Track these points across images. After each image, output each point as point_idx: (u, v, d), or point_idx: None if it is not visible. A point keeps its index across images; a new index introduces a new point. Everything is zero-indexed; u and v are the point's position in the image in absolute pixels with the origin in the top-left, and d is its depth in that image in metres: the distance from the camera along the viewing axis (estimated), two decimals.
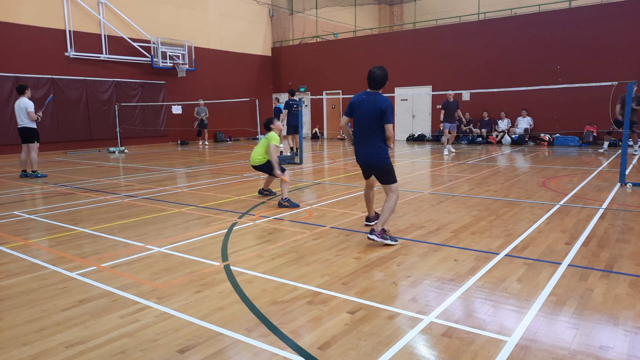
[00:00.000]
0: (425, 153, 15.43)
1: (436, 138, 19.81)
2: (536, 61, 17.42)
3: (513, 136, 17.67)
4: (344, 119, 5.14)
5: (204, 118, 19.91)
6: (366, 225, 5.68)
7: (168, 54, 19.80)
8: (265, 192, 7.74)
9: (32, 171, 10.48)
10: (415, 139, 20.69)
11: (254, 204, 7.16)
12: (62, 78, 16.94)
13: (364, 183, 5.74)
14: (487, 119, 18.62)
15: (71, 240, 5.26)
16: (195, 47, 20.96)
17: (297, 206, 6.84)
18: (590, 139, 16.40)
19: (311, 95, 23.38)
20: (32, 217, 6.53)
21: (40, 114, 10.46)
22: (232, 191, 8.30)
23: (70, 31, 17.01)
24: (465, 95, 18.87)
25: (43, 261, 4.52)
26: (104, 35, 18.04)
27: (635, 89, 7.98)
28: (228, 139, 22.87)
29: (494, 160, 12.97)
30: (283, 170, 7.18)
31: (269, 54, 25.21)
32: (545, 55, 17.29)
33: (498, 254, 4.51)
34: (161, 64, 19.58)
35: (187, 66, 20.45)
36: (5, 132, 15.46)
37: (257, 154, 7.32)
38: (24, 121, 10.25)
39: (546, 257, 4.39)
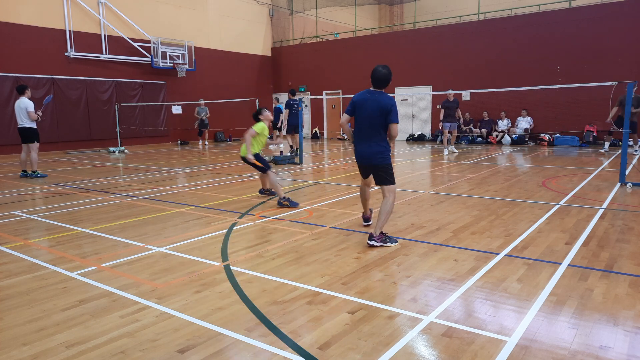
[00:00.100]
0: (425, 153, 15.43)
1: (436, 138, 19.80)
2: (536, 61, 17.42)
3: (513, 136, 17.67)
4: (345, 117, 5.05)
5: (204, 118, 19.91)
6: (365, 225, 5.66)
7: (168, 54, 19.80)
8: (265, 192, 7.72)
9: (32, 171, 10.48)
10: (415, 139, 20.69)
11: (254, 204, 7.16)
12: (62, 78, 16.95)
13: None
14: (487, 119, 18.62)
15: (71, 240, 5.26)
16: (195, 47, 20.96)
17: (296, 205, 6.83)
18: (590, 139, 16.40)
19: (311, 95, 23.38)
20: (32, 217, 6.53)
21: (40, 113, 10.46)
22: (232, 191, 8.30)
23: (70, 31, 17.01)
24: (465, 95, 18.87)
25: (43, 261, 4.52)
26: (104, 35, 18.04)
27: (636, 89, 7.96)
28: (228, 139, 22.87)
29: (494, 160, 12.97)
30: (267, 167, 7.17)
31: (269, 54, 25.22)
32: (545, 55, 17.29)
33: (498, 254, 4.51)
34: (161, 64, 19.58)
35: (187, 66, 20.45)
36: (5, 132, 15.46)
37: (245, 146, 7.27)
38: (24, 121, 10.25)
39: (546, 257, 4.39)
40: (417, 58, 20.49)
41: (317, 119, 24.33)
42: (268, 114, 7.37)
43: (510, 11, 19.30)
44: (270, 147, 18.28)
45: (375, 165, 4.95)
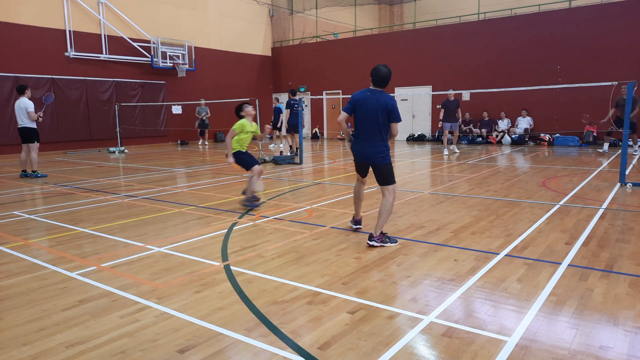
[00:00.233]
0: (425, 153, 15.43)
1: (437, 138, 19.81)
2: (536, 61, 17.42)
3: (513, 136, 17.67)
4: (343, 115, 4.97)
5: (205, 118, 19.91)
6: (355, 229, 5.43)
7: (168, 54, 19.81)
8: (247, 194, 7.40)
9: (32, 171, 10.48)
10: (415, 139, 20.69)
11: (253, 203, 7.15)
12: (62, 78, 16.95)
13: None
14: (487, 119, 18.62)
15: (71, 240, 5.26)
16: (195, 47, 20.96)
17: (255, 207, 6.63)
18: (590, 139, 16.40)
19: (311, 95, 23.38)
20: (32, 217, 6.53)
21: (41, 113, 10.46)
22: (232, 191, 8.30)
23: (70, 31, 17.01)
24: (465, 95, 18.87)
25: (43, 261, 4.52)
26: (104, 35, 18.04)
27: (636, 89, 7.95)
28: None
29: (494, 160, 12.97)
30: (247, 166, 6.93)
31: (269, 54, 25.22)
32: (545, 55, 17.29)
33: (498, 254, 4.51)
34: (161, 64, 19.59)
35: (187, 66, 20.45)
36: (5, 132, 15.47)
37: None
38: (24, 121, 10.25)
39: (546, 257, 4.39)
40: (417, 58, 20.49)
41: (317, 119, 24.34)
42: (249, 109, 7.05)
43: (510, 11, 19.30)
44: (270, 147, 18.29)
45: (376, 165, 4.94)
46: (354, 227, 5.43)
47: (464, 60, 19.14)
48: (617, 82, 8.42)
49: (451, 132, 14.54)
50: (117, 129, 17.23)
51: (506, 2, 20.94)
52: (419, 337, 2.90)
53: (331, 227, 5.63)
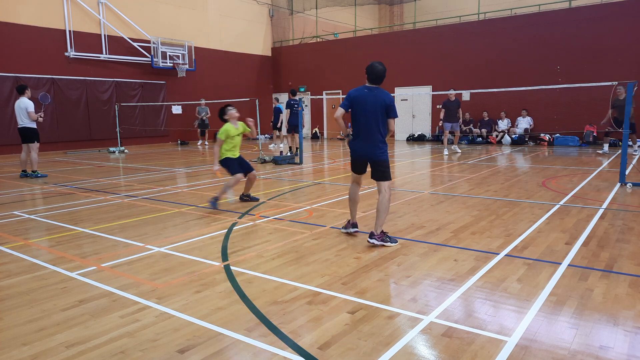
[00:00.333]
0: (425, 153, 15.43)
1: (436, 138, 19.82)
2: (536, 61, 17.42)
3: (513, 136, 17.67)
4: (340, 111, 4.95)
5: (205, 118, 19.91)
6: (353, 232, 5.29)
7: (168, 54, 19.80)
8: (245, 198, 7.31)
9: (32, 171, 10.48)
10: (415, 139, 20.69)
11: (254, 204, 7.16)
12: (62, 78, 16.95)
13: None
14: (487, 119, 18.62)
15: (71, 240, 5.26)
16: (195, 47, 20.96)
17: (215, 207, 6.58)
18: (590, 139, 16.40)
19: (311, 95, 23.38)
20: (32, 217, 6.53)
21: (41, 113, 10.46)
22: (232, 191, 8.29)
23: (70, 31, 17.01)
24: (465, 95, 18.87)
25: (43, 261, 4.52)
26: (104, 35, 18.04)
27: (636, 89, 7.95)
28: None
29: (494, 160, 12.97)
30: (232, 172, 6.84)
31: (269, 54, 25.22)
32: (545, 55, 17.29)
33: (498, 254, 4.51)
34: (161, 64, 19.59)
35: (187, 66, 20.45)
36: (5, 132, 15.47)
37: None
38: (24, 121, 10.25)
39: (546, 257, 4.39)
40: (417, 58, 20.49)
41: (317, 119, 24.34)
42: (232, 112, 6.93)
43: (510, 11, 19.30)
44: (270, 147, 18.29)
45: (376, 161, 4.97)
46: (352, 230, 5.28)
47: (464, 60, 19.14)
48: (617, 82, 8.42)
49: (452, 133, 14.53)
50: (117, 129, 17.23)
51: (506, 2, 20.94)
52: (419, 337, 2.90)
53: (331, 227, 5.63)
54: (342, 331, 2.98)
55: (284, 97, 22.18)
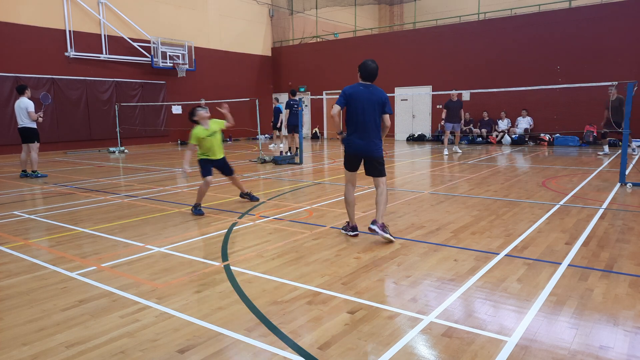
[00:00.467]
0: (425, 153, 15.43)
1: (436, 138, 19.82)
2: (536, 61, 17.42)
3: (513, 136, 17.67)
4: (337, 108, 4.94)
5: None
6: (353, 235, 5.21)
7: (168, 54, 19.80)
8: (245, 196, 7.30)
9: (32, 171, 10.48)
10: (415, 139, 20.69)
11: (253, 204, 7.16)
12: (62, 78, 16.95)
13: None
14: (487, 119, 18.62)
15: (71, 240, 5.26)
16: (195, 47, 20.96)
17: (201, 214, 6.42)
18: (590, 139, 16.39)
19: (311, 95, 23.38)
20: (32, 217, 6.53)
21: (41, 113, 10.46)
22: (232, 191, 8.30)
23: (70, 31, 17.01)
24: (465, 95, 18.87)
25: (43, 261, 4.52)
26: (104, 35, 18.04)
27: (636, 89, 7.94)
28: (228, 139, 22.86)
29: (494, 160, 12.97)
30: (203, 174, 6.69)
31: (269, 54, 25.22)
32: (545, 55, 17.29)
33: (498, 254, 4.51)
34: (161, 64, 19.58)
35: (187, 66, 20.45)
36: (5, 132, 15.47)
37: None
38: (24, 121, 10.25)
39: (546, 257, 4.39)
40: (417, 58, 20.49)
41: (317, 119, 24.33)
42: (201, 113, 6.64)
43: (510, 11, 19.30)
44: (270, 147, 18.29)
45: (374, 157, 5.07)
46: (352, 233, 5.21)
47: (464, 60, 19.14)
48: (617, 82, 8.43)
49: (452, 133, 14.53)
50: (117, 129, 17.23)
51: (506, 2, 20.94)
52: (419, 337, 2.90)
53: (331, 227, 5.63)
54: (342, 331, 2.98)
55: (284, 97, 22.19)
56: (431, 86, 19.96)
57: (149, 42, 19.34)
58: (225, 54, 22.68)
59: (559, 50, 17.06)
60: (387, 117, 5.08)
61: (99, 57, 17.90)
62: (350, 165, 5.20)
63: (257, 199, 7.36)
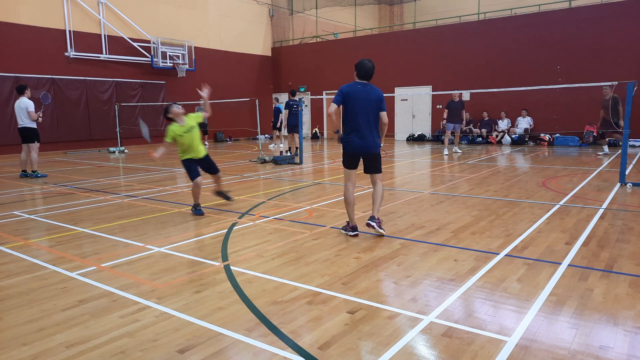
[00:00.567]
0: (425, 153, 15.43)
1: (436, 138, 19.82)
2: (536, 61, 17.42)
3: (513, 136, 17.67)
4: (334, 107, 5.00)
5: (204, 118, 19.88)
6: (353, 235, 5.19)
7: (168, 54, 19.81)
8: (219, 195, 7.13)
9: (32, 171, 10.48)
10: (415, 139, 20.69)
11: (253, 204, 7.16)
12: (62, 78, 16.95)
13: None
14: (487, 119, 18.62)
15: (71, 240, 5.26)
16: (195, 47, 20.96)
17: (201, 214, 6.35)
18: (590, 139, 16.39)
19: (311, 95, 23.38)
20: (32, 217, 6.53)
21: (40, 113, 10.46)
22: (232, 191, 8.29)
23: (70, 31, 17.01)
24: (465, 95, 18.87)
25: (43, 261, 4.52)
26: (104, 35, 18.04)
27: (636, 89, 7.95)
28: (228, 139, 22.87)
29: (494, 160, 12.97)
30: (191, 177, 6.45)
31: (269, 54, 25.22)
32: (545, 55, 17.29)
33: (498, 254, 4.51)
34: (161, 64, 19.59)
35: (187, 66, 20.46)
36: (5, 132, 15.47)
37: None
38: (24, 121, 10.25)
39: (546, 257, 4.39)
40: (417, 58, 20.49)
41: (317, 119, 24.33)
42: (175, 109, 6.40)
43: (510, 11, 19.30)
44: (270, 147, 18.29)
45: (374, 154, 5.19)
46: (352, 233, 5.20)
47: (464, 60, 19.14)
48: (617, 82, 8.43)
49: (453, 133, 14.52)
50: (117, 129, 17.23)
51: (506, 2, 20.94)
52: (419, 337, 2.90)
53: (331, 227, 5.63)
54: (342, 331, 2.98)
55: (284, 97, 22.19)
56: (431, 86, 19.96)
57: (149, 42, 19.34)
58: (225, 54, 22.69)
59: (559, 50, 17.06)
60: (384, 114, 5.17)
61: (99, 57, 17.90)
62: (350, 163, 5.25)
63: (231, 199, 7.14)
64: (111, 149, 17.08)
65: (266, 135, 23.84)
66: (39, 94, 11.19)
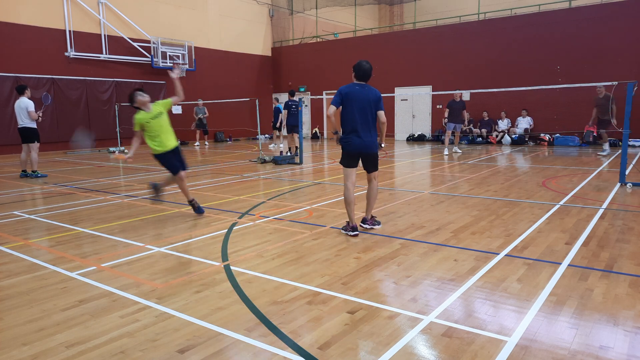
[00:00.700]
0: (425, 153, 15.43)
1: (436, 138, 19.82)
2: (536, 61, 17.42)
3: (513, 136, 17.67)
4: (333, 108, 5.12)
5: (203, 118, 19.88)
6: (353, 235, 5.20)
7: (168, 54, 19.81)
8: (153, 193, 6.70)
9: (32, 171, 10.47)
10: (415, 139, 20.69)
11: (254, 204, 7.16)
12: (62, 78, 16.95)
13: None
14: (487, 119, 18.62)
15: (71, 240, 5.26)
16: (195, 47, 20.97)
17: (201, 212, 6.28)
18: (590, 139, 16.38)
19: (311, 95, 23.38)
20: (32, 217, 6.53)
21: (40, 113, 10.46)
22: (232, 191, 8.30)
23: (70, 31, 17.01)
24: (465, 95, 18.86)
25: (43, 261, 4.52)
26: (104, 35, 18.04)
27: (636, 89, 7.94)
28: (228, 139, 22.87)
29: (494, 160, 12.97)
30: (175, 169, 6.19)
31: (269, 54, 25.21)
32: (545, 55, 17.29)
33: (498, 254, 4.51)
34: (161, 64, 19.59)
35: (187, 66, 20.46)
36: (5, 132, 15.47)
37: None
38: (24, 121, 10.25)
39: (546, 257, 4.39)
40: (417, 58, 20.48)
41: (317, 119, 24.33)
42: (140, 98, 6.05)
43: (510, 11, 19.30)
44: (270, 147, 18.28)
45: (372, 154, 5.30)
46: (352, 233, 5.19)
47: (464, 60, 19.14)
48: (617, 82, 8.43)
49: (453, 133, 14.52)
50: (117, 129, 17.23)
51: (506, 2, 20.94)
52: (419, 337, 2.90)
53: (331, 227, 5.63)
54: (342, 331, 2.98)
55: (284, 97, 22.16)
56: (431, 86, 19.95)
57: (149, 42, 19.34)
58: (225, 54, 22.68)
59: (559, 50, 17.05)
60: (381, 113, 5.27)
61: (99, 57, 17.90)
62: (350, 162, 5.32)
63: (159, 196, 6.79)
64: (111, 149, 17.08)
65: (266, 135, 23.84)
66: (39, 94, 11.19)
